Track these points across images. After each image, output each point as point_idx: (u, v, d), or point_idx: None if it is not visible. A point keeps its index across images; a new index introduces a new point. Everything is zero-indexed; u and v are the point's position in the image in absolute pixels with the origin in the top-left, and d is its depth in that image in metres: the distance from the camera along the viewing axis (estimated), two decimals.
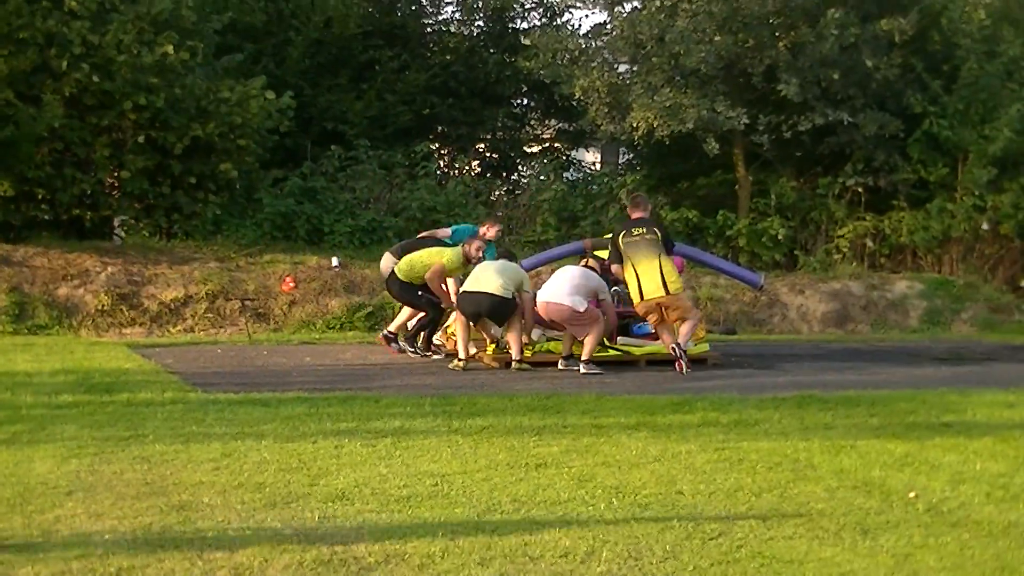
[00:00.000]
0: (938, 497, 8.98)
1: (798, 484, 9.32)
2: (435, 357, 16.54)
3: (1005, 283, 22.97)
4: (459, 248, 16.38)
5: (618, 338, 17.08)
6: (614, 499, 8.64)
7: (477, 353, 16.15)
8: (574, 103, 24.78)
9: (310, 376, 14.84)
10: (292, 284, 19.97)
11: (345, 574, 6.73)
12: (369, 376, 14.96)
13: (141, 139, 20.24)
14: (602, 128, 24.88)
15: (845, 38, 23.48)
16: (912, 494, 9.08)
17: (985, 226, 24.28)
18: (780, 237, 24.12)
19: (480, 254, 16.10)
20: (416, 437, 10.77)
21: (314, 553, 7.00)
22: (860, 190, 25.22)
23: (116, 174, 20.74)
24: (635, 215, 16.19)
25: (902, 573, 7.05)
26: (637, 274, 15.56)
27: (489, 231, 17.12)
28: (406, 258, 16.30)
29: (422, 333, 16.72)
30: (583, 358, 15.48)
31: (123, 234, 21.68)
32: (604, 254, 16.45)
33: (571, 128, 27.93)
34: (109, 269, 19.65)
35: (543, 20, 27.58)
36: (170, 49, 19.61)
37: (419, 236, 18.16)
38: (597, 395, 13.58)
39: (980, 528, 8.11)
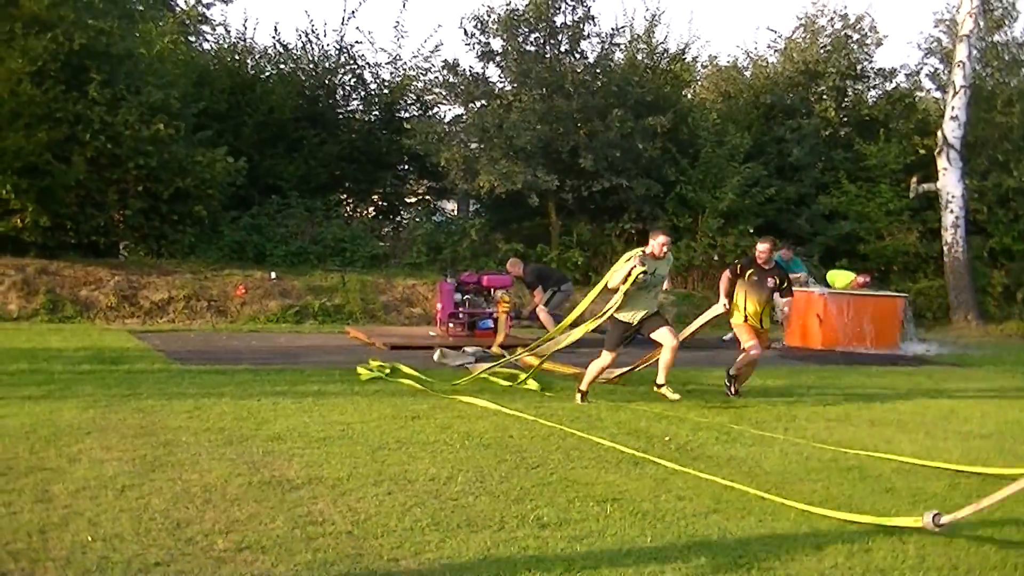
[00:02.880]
0: (684, 440, 9.52)
1: (591, 431, 9.66)
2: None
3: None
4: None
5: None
6: (466, 440, 8.96)
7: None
8: (440, 169, 24.77)
9: (255, 354, 14.84)
10: (243, 291, 20.14)
11: (280, 491, 6.93)
12: (296, 355, 15.04)
13: (140, 188, 20.34)
14: (459, 186, 24.93)
15: (624, 129, 24.16)
16: (667, 438, 9.56)
17: (716, 257, 25.08)
18: (579, 263, 24.55)
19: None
20: (329, 397, 11.03)
21: (259, 476, 7.30)
22: (633, 232, 25.53)
23: (122, 212, 20.71)
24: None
25: (660, 490, 7.42)
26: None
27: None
28: None
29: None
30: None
31: (126, 254, 21.55)
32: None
33: (437, 186, 27.69)
34: (116, 278, 19.57)
35: (420, 111, 27.52)
36: (161, 127, 19.68)
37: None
38: (453, 370, 13.69)
39: (712, 461, 8.61)
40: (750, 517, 6.83)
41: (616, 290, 11.50)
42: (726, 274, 12.79)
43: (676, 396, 11.54)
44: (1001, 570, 5.96)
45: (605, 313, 11.84)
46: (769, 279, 12.48)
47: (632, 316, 11.61)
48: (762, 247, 12.62)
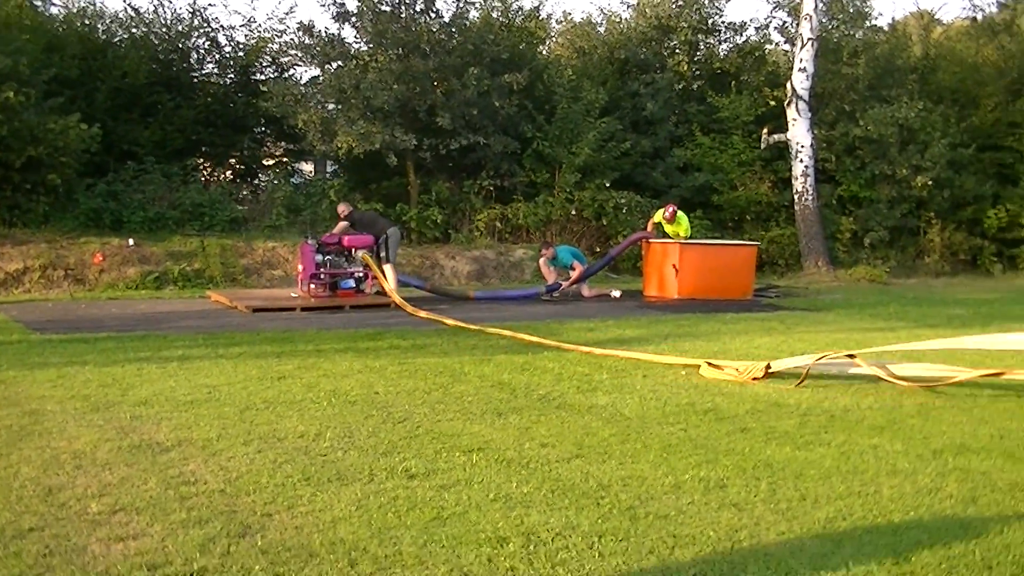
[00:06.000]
0: (546, 390, 9.69)
1: (455, 385, 9.86)
2: None
3: (587, 249, 24.01)
4: None
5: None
6: (332, 399, 9.03)
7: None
8: (297, 131, 24.65)
9: (116, 322, 14.76)
10: (101, 258, 19.88)
11: (151, 453, 6.97)
12: (158, 321, 14.97)
13: None
14: (317, 148, 24.73)
15: (481, 87, 24.13)
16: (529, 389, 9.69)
17: (573, 212, 25.40)
18: (439, 221, 24.67)
19: None
20: (194, 361, 11.03)
21: (129, 440, 7.33)
22: (492, 188, 25.79)
23: None
24: None
25: (524, 439, 7.61)
26: None
27: None
28: None
29: None
30: None
31: None
32: None
33: (295, 148, 27.54)
34: None
35: (276, 74, 27.32)
36: (11, 94, 19.23)
37: None
38: (317, 330, 13.76)
39: (573, 409, 8.81)
40: (611, 461, 7.05)
41: None
42: None
43: None
44: (845, 499, 6.28)
45: None
46: None
47: None
48: None
